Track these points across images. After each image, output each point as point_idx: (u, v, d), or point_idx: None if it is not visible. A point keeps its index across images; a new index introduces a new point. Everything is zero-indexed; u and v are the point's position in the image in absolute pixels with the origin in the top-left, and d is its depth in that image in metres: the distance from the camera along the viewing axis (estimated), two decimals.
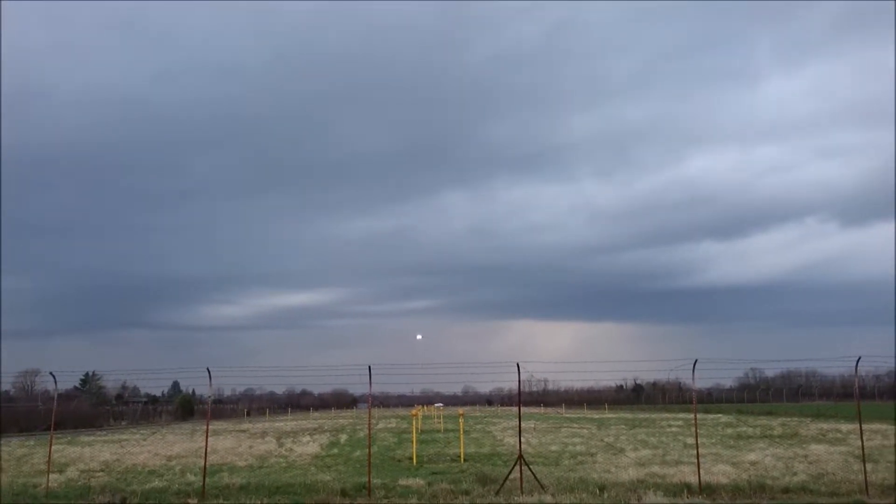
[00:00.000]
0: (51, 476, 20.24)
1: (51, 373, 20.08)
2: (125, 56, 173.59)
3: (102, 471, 23.18)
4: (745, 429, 39.71)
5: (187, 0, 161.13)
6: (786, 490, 16.32)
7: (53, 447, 28.97)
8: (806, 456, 23.44)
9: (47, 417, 55.87)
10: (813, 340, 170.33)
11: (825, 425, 41.36)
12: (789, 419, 51.70)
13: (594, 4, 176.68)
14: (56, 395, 22.50)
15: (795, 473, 18.79)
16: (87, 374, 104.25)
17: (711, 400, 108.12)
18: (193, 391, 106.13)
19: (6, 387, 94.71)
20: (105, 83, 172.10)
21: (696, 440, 20.65)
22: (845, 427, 38.43)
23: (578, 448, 28.10)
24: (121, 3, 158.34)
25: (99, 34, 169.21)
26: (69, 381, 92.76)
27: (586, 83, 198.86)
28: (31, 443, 40.20)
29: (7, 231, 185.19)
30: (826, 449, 25.71)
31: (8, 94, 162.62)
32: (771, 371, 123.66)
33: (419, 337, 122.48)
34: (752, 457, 23.24)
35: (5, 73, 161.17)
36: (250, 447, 31.71)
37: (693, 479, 16.94)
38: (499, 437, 35.87)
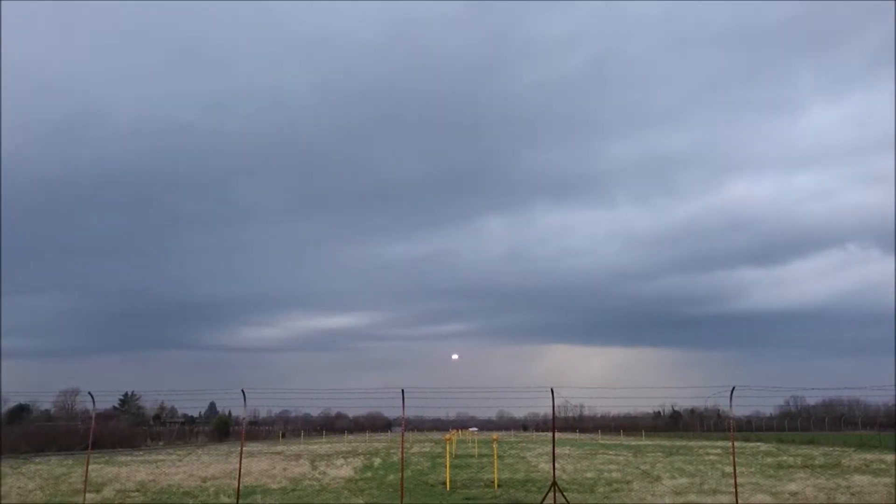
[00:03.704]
0: (87, 495, 20.53)
1: (89, 392, 20.44)
2: (179, 86, 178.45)
3: (138, 491, 23.42)
4: (785, 458, 38.77)
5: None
6: None
7: (91, 466, 29.37)
8: (849, 487, 22.78)
9: (86, 437, 56.73)
10: (855, 368, 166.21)
11: (869, 455, 40.20)
12: (831, 449, 50.37)
13: (637, 36, 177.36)
14: (94, 415, 22.88)
15: None
16: (126, 394, 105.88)
17: (751, 428, 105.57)
18: (230, 412, 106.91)
19: (47, 405, 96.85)
20: (157, 113, 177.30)
21: (734, 469, 20.22)
22: (890, 458, 37.31)
23: (614, 475, 27.67)
24: (180, 33, 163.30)
25: (157, 63, 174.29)
26: (108, 401, 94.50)
27: (627, 112, 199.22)
28: (70, 461, 40.81)
29: (53, 252, 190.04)
30: (870, 480, 24.96)
31: (65, 121, 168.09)
32: (812, 399, 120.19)
33: (455, 357, 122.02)
34: (792, 487, 22.65)
35: (63, 100, 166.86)
36: (284, 469, 31.81)
37: None
38: (533, 463, 35.51)
